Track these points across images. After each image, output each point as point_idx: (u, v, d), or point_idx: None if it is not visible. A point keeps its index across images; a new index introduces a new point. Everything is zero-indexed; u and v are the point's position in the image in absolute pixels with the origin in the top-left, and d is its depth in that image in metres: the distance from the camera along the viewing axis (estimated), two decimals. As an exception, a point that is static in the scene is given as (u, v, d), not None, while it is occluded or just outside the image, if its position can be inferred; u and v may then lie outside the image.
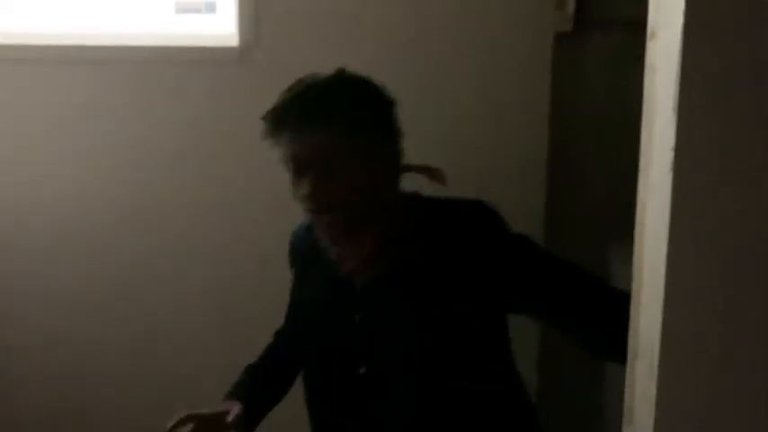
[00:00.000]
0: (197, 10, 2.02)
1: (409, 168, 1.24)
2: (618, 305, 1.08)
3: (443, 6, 1.88)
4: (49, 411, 2.14)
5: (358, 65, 1.94)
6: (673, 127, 0.60)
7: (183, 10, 2.03)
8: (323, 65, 1.94)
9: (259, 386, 1.36)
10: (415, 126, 1.95)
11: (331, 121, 1.14)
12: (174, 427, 1.19)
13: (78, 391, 2.15)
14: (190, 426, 1.19)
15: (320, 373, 1.29)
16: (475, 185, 1.95)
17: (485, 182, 1.93)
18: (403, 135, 1.23)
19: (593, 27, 1.84)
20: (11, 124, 2.02)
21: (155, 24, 2.02)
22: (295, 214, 2.00)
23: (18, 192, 2.05)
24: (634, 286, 0.76)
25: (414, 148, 1.94)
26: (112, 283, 2.07)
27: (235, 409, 1.22)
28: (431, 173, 1.25)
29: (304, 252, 1.33)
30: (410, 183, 1.28)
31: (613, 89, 1.83)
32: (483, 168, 1.93)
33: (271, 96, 1.94)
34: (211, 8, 2.01)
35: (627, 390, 0.78)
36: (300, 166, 1.15)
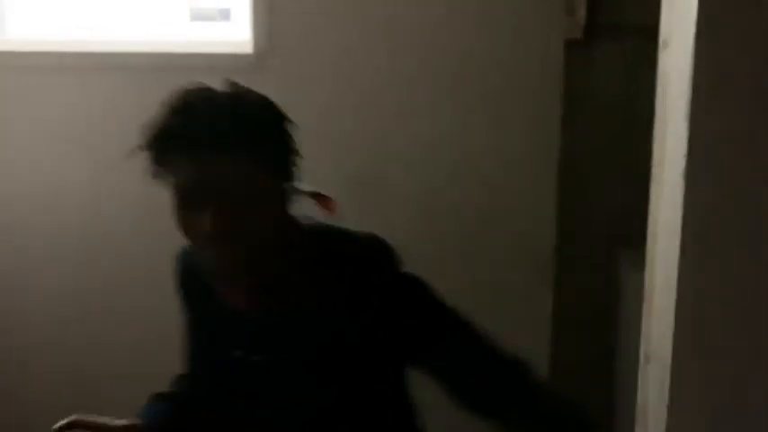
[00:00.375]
0: (212, 18, 2.04)
1: (299, 192, 1.12)
2: (503, 368, 1.11)
3: (455, 14, 1.90)
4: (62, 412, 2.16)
5: (370, 72, 1.98)
6: (685, 134, 0.62)
7: (197, 18, 2.05)
8: (336, 71, 1.98)
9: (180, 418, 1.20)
10: (425, 132, 1.98)
11: (232, 146, 0.98)
12: (61, 429, 1.09)
13: (87, 392, 2.17)
14: None
15: (213, 409, 1.17)
16: (486, 192, 1.98)
17: (496, 188, 1.95)
18: (300, 156, 1.09)
19: (603, 34, 1.85)
20: (30, 130, 2.05)
21: (170, 32, 2.05)
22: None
23: (37, 195, 2.08)
24: (646, 291, 0.78)
25: (425, 155, 1.97)
26: (128, 285, 2.10)
27: None
28: (321, 201, 1.14)
29: (190, 280, 1.18)
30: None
31: (624, 95, 1.84)
32: (494, 174, 1.94)
33: (285, 102, 1.97)
34: (226, 16, 2.04)
35: (640, 393, 0.79)
36: (195, 196, 0.99)
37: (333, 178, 2.01)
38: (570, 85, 1.89)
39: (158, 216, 2.10)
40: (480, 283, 1.98)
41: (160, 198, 2.13)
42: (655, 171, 0.72)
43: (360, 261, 1.09)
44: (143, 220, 2.07)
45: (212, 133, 0.98)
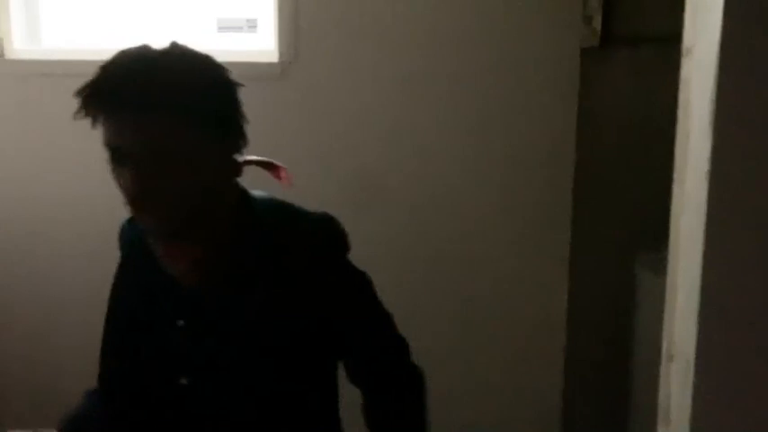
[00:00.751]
0: (239, 28, 2.09)
1: (251, 162, 1.09)
2: (392, 380, 1.12)
3: (475, 23, 1.93)
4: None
5: (393, 79, 2.01)
6: (709, 138, 0.64)
7: (225, 28, 2.10)
8: (361, 79, 2.01)
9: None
10: (447, 137, 2.01)
11: (162, 104, 0.94)
12: None
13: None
14: None
15: (139, 379, 1.14)
16: (502, 196, 2.00)
17: (512, 193, 1.98)
18: (247, 122, 1.06)
19: (619, 42, 1.87)
20: (65, 136, 2.10)
21: (198, 42, 2.09)
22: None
23: (73, 199, 2.13)
24: (668, 291, 0.79)
25: (443, 156, 2.00)
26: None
27: None
28: (276, 171, 1.11)
29: (131, 243, 1.15)
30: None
31: (639, 102, 1.86)
32: (510, 179, 1.97)
33: (309, 110, 2.01)
34: (253, 26, 2.08)
35: (661, 391, 0.81)
36: (122, 154, 0.97)
37: (357, 183, 2.05)
38: (586, 91, 1.91)
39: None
40: (496, 285, 2.00)
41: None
42: (677, 174, 0.75)
43: (308, 243, 1.06)
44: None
45: (135, 90, 0.95)
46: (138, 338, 1.12)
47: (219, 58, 2.05)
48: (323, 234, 1.09)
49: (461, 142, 1.97)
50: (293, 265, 1.05)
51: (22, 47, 2.12)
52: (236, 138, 1.04)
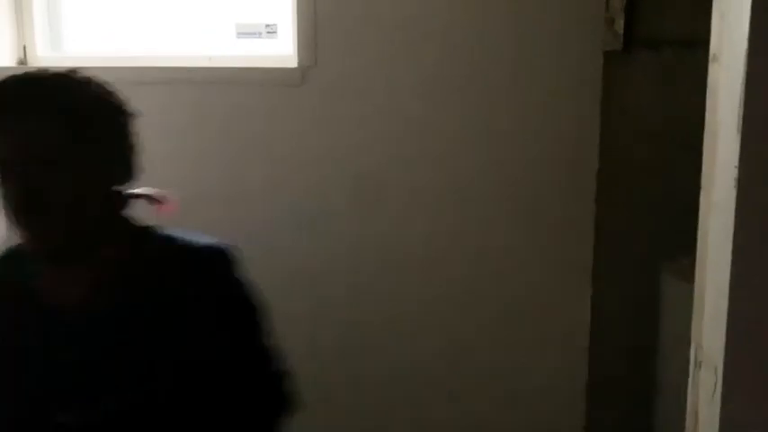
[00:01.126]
0: (258, 34, 2.10)
1: (137, 196, 1.10)
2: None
3: (493, 26, 1.93)
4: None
5: (411, 84, 2.01)
6: (737, 145, 0.64)
7: (243, 34, 2.12)
8: (379, 84, 2.02)
9: None
10: (470, 141, 2.00)
11: (47, 116, 0.97)
12: None
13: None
14: None
15: (11, 418, 1.07)
16: (526, 199, 1.99)
17: (536, 196, 1.97)
18: (138, 155, 1.10)
19: (641, 45, 1.86)
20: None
21: (217, 48, 2.11)
22: (346, 236, 2.06)
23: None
24: (696, 298, 0.79)
25: (462, 162, 1.99)
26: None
27: None
28: (157, 203, 1.11)
29: (8, 279, 1.12)
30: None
31: (663, 106, 1.85)
32: (534, 182, 1.96)
33: (329, 115, 2.01)
34: (271, 31, 2.10)
35: (690, 398, 0.80)
36: (6, 166, 0.97)
37: (375, 187, 2.05)
38: (609, 95, 1.90)
39: (205, 225, 2.16)
40: (517, 293, 2.00)
41: (207, 207, 2.20)
42: (705, 180, 0.74)
43: (196, 265, 1.06)
44: (190, 230, 2.12)
45: (17, 99, 0.98)
46: (8, 375, 1.08)
47: (239, 63, 2.08)
48: (212, 259, 1.07)
49: (481, 147, 1.97)
50: (184, 289, 1.04)
51: (44, 54, 2.15)
52: (119, 167, 1.07)
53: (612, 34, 1.88)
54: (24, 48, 2.10)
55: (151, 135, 2.09)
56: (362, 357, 2.06)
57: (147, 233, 1.09)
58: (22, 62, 2.15)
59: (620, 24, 1.87)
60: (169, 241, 1.08)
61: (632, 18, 1.86)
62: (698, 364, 0.78)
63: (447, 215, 2.00)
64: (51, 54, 2.15)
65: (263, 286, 1.12)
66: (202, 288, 1.06)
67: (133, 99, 2.09)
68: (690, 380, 0.80)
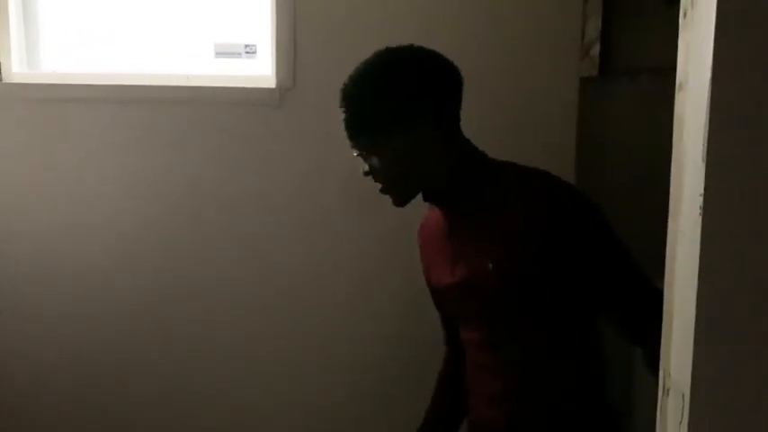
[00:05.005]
0: (236, 54, 2.11)
1: None
2: None
3: (473, 55, 1.95)
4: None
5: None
6: (702, 174, 0.64)
7: (222, 54, 2.12)
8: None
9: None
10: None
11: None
12: None
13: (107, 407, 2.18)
14: None
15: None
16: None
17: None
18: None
19: (618, 72, 1.89)
20: (61, 158, 2.12)
21: (196, 67, 2.11)
22: (328, 259, 2.05)
23: (65, 222, 2.13)
24: (665, 326, 0.79)
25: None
26: (150, 305, 2.13)
27: None
28: None
29: None
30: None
31: (639, 132, 1.87)
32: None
33: (308, 136, 2.01)
34: (250, 51, 2.10)
35: (658, 425, 0.80)
36: None
37: (355, 211, 2.05)
38: (585, 121, 1.92)
39: (183, 243, 2.15)
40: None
41: (186, 227, 2.17)
42: (672, 208, 0.75)
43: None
44: (170, 248, 2.10)
45: None
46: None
47: (217, 83, 2.08)
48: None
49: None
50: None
51: (21, 70, 2.13)
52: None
53: (589, 61, 1.90)
54: (0, 65, 2.08)
55: (128, 152, 2.09)
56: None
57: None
58: (-3, 78, 2.13)
59: (596, 51, 1.89)
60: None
61: (608, 45, 1.89)
62: (666, 392, 0.78)
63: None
64: (28, 71, 2.14)
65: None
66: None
67: (111, 117, 2.10)
68: (658, 407, 0.80)
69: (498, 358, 1.33)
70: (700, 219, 0.65)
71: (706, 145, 0.64)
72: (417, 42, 1.96)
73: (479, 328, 1.34)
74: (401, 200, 1.34)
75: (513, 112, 1.95)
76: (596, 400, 1.34)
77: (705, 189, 0.65)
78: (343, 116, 1.31)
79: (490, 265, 1.27)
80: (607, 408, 1.36)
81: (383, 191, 1.33)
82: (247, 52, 2.08)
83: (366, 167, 1.33)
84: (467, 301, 1.34)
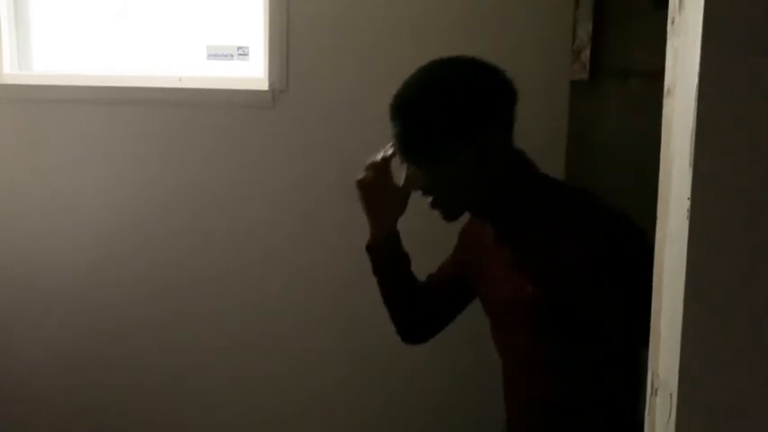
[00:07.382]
0: (229, 56, 2.11)
1: None
2: None
3: (464, 53, 1.96)
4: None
5: (383, 110, 2.02)
6: (689, 178, 0.65)
7: (214, 56, 2.12)
8: (351, 109, 2.03)
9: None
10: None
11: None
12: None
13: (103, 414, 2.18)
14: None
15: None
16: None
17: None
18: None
19: (608, 75, 1.90)
20: (53, 159, 2.11)
21: (188, 69, 2.11)
22: (319, 257, 2.06)
23: (56, 222, 2.13)
24: (653, 324, 0.80)
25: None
26: (141, 304, 2.13)
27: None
28: None
29: None
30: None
31: (630, 135, 1.88)
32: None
33: (301, 138, 2.02)
34: (243, 53, 2.11)
35: (647, 425, 0.81)
36: None
37: (349, 212, 2.06)
38: (576, 124, 1.93)
39: (175, 244, 2.15)
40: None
41: (177, 226, 2.18)
42: (660, 211, 0.76)
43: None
44: (162, 249, 2.10)
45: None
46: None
47: (209, 84, 2.09)
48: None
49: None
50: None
51: (12, 71, 2.13)
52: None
53: (579, 64, 1.91)
54: (-9, 65, 2.08)
55: (120, 154, 2.09)
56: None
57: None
58: (-11, 79, 2.12)
59: (586, 54, 1.90)
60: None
61: (599, 49, 1.90)
62: (654, 391, 0.79)
63: (413, 240, 2.01)
64: (19, 72, 2.13)
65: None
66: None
67: (103, 118, 2.10)
68: (647, 406, 0.81)
69: (532, 371, 1.30)
70: (687, 221, 0.66)
71: (693, 150, 0.65)
72: (410, 45, 1.97)
73: (514, 341, 1.31)
74: (453, 215, 1.30)
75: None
76: (627, 416, 1.29)
77: (692, 193, 0.66)
78: (395, 130, 1.27)
79: (530, 289, 1.23)
80: (638, 425, 1.33)
81: (433, 205, 1.29)
82: (240, 54, 2.08)
83: (418, 182, 1.29)
84: (504, 316, 1.32)
